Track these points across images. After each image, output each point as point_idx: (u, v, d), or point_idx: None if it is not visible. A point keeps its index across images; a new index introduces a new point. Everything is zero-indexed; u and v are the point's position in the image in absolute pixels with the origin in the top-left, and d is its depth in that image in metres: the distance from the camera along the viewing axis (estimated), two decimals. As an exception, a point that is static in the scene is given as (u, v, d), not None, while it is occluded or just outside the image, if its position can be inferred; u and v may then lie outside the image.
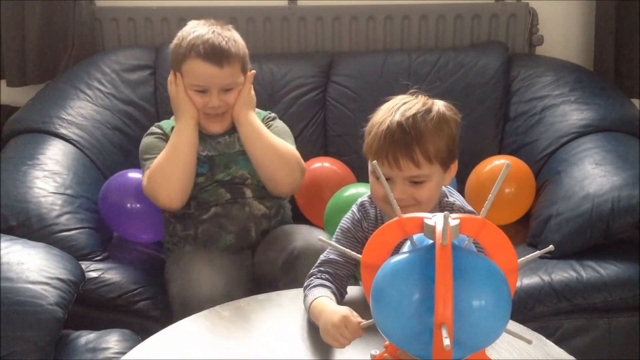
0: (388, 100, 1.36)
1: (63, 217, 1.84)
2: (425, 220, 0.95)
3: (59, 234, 1.80)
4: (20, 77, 2.52)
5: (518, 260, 1.00)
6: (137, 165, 2.05)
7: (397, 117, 1.28)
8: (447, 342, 0.85)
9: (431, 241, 0.94)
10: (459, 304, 0.90)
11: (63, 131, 2.12)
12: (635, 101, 2.42)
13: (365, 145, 1.34)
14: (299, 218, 2.24)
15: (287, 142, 1.82)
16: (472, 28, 2.51)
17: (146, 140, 1.83)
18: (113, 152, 2.20)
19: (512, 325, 1.30)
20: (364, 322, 1.12)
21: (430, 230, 0.94)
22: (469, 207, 1.39)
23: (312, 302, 1.29)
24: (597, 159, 1.96)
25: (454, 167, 1.36)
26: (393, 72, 2.38)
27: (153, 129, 1.85)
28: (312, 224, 2.22)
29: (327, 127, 2.39)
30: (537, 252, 1.04)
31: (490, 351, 1.21)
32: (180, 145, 1.73)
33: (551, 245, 1.05)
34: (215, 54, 1.69)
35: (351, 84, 2.38)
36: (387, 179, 1.28)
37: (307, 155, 2.32)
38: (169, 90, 1.77)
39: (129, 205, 1.95)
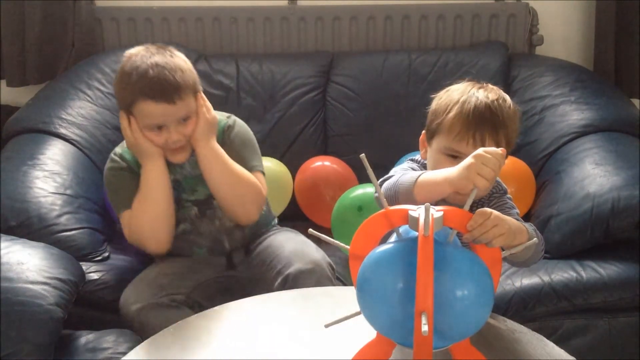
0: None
1: (63, 217, 1.83)
2: (410, 212, 0.97)
3: (59, 234, 1.80)
4: (20, 77, 2.52)
5: (502, 253, 1.02)
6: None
7: (481, 97, 1.29)
8: (425, 328, 0.87)
9: (416, 232, 0.95)
10: (441, 293, 0.92)
11: (63, 131, 2.12)
12: (635, 101, 2.42)
13: (442, 122, 1.30)
14: (300, 217, 2.25)
15: (248, 155, 1.75)
16: (472, 28, 2.51)
17: (111, 177, 1.73)
18: (113, 152, 2.20)
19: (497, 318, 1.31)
20: (352, 312, 1.11)
21: (414, 222, 0.96)
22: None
23: (417, 178, 1.20)
24: (597, 159, 1.96)
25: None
26: (393, 72, 2.38)
27: (115, 160, 1.74)
28: (313, 223, 2.23)
29: (327, 127, 2.39)
30: (520, 245, 1.05)
31: (489, 350, 1.21)
32: (155, 193, 1.66)
33: (535, 239, 1.08)
34: (165, 91, 1.59)
35: (351, 84, 2.38)
36: (457, 157, 1.27)
37: (307, 155, 2.33)
38: (125, 135, 1.67)
39: None
